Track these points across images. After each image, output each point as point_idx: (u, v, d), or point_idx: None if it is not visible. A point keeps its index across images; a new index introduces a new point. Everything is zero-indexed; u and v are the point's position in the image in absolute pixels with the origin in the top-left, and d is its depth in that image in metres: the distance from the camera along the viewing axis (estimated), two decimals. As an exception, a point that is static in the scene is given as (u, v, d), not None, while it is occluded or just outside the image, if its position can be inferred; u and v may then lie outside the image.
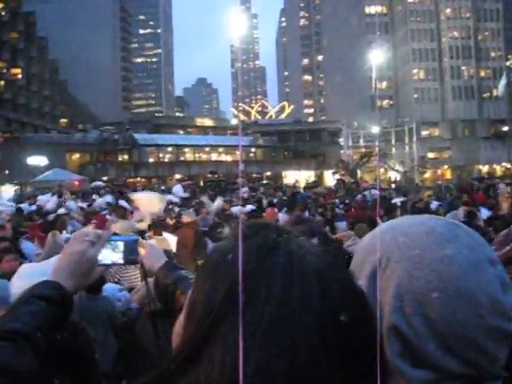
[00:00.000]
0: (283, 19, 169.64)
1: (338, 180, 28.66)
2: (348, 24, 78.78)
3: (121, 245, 1.24)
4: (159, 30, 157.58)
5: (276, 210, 10.72)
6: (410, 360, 0.61)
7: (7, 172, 36.08)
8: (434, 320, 0.60)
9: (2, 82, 66.23)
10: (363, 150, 49.02)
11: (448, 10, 67.73)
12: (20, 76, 69.41)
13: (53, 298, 1.03)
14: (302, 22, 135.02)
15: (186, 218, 8.04)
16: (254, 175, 42.33)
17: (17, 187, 31.66)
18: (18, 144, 42.12)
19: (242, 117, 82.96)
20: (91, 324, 3.50)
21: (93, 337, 3.24)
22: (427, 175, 50.16)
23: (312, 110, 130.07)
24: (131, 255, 1.26)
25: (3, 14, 67.27)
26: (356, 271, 0.67)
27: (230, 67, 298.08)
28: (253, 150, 53.92)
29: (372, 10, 73.49)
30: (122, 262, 1.25)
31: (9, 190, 27.03)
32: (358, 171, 40.99)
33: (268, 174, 48.18)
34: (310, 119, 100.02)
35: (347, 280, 0.59)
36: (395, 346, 0.61)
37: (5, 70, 66.62)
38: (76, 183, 26.87)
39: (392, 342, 0.61)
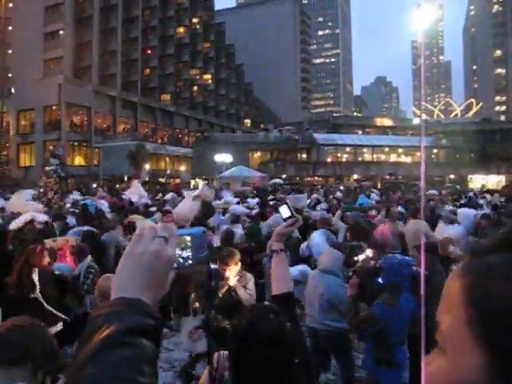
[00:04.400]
0: (472, 7, 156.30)
1: None
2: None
3: (187, 239, 0.98)
4: (337, 31, 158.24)
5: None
6: None
7: (198, 167, 39.59)
8: None
9: (195, 88, 73.47)
10: None
11: None
12: (210, 81, 76.13)
13: (147, 329, 0.71)
14: (495, 8, 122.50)
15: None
16: (436, 178, 39.79)
17: (205, 182, 34.61)
18: (208, 143, 45.99)
19: (424, 116, 78.49)
20: None
21: None
22: None
23: (504, 108, 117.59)
24: (200, 252, 1.00)
25: (198, 26, 74.41)
26: None
27: (411, 64, 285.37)
28: (435, 151, 51.04)
29: None
30: (191, 261, 0.98)
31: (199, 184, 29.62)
32: (562, 177, 36.02)
33: (451, 177, 44.93)
34: (502, 118, 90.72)
35: None
36: None
37: (198, 77, 73.81)
38: (257, 180, 28.25)
39: None
